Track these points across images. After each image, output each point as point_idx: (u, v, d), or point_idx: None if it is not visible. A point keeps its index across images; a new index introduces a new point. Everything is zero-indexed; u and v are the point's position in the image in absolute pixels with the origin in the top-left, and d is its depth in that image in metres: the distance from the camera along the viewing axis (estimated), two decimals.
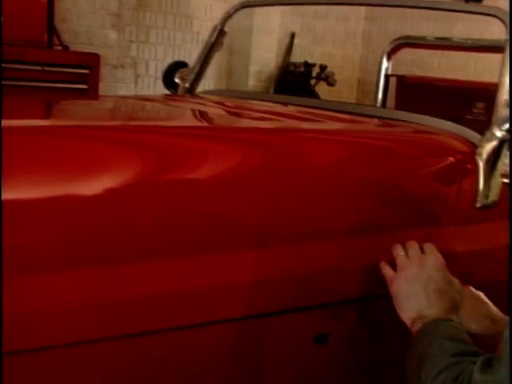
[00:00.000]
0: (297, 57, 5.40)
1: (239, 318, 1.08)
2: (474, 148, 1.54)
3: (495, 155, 1.53)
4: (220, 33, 2.26)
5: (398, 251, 1.24)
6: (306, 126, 1.58)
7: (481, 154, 1.52)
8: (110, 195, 0.98)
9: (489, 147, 1.53)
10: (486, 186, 1.50)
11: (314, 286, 1.18)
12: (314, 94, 5.10)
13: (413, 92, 3.09)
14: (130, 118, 1.57)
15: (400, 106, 3.13)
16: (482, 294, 1.31)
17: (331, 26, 5.82)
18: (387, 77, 3.00)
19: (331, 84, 5.23)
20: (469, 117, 2.39)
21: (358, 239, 1.27)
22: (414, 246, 1.25)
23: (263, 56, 4.99)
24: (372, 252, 1.27)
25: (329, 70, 5.26)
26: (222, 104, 1.89)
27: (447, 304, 1.19)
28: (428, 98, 2.91)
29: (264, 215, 1.14)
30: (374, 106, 2.49)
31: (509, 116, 1.55)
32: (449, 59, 5.77)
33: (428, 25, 5.41)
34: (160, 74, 4.44)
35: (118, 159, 1.02)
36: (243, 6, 2.29)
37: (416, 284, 1.19)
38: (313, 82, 5.27)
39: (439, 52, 5.69)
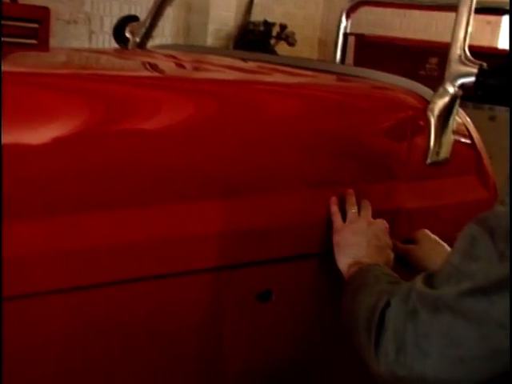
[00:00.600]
0: (257, 16, 5.30)
1: (183, 272, 1.05)
2: (426, 104, 1.51)
3: (447, 111, 1.51)
4: None
5: (352, 208, 1.25)
6: (262, 78, 1.56)
7: (433, 110, 1.49)
8: (58, 144, 0.94)
9: (441, 103, 1.51)
10: (437, 143, 1.48)
11: (262, 240, 1.15)
12: (273, 54, 5.03)
13: (371, 51, 3.06)
14: (81, 68, 1.51)
15: (358, 64, 3.11)
16: (437, 237, 1.34)
17: None
18: (346, 35, 2.96)
19: (291, 44, 5.16)
20: (422, 72, 2.37)
21: (310, 193, 1.25)
22: (367, 208, 1.27)
23: (222, 14, 4.89)
24: (323, 207, 1.25)
25: (289, 29, 5.18)
26: (174, 57, 1.84)
27: (384, 259, 1.20)
28: (386, 56, 2.88)
29: (217, 166, 1.12)
30: (331, 62, 2.45)
31: (462, 71, 1.53)
32: (410, 20, 5.75)
33: None
34: None
35: (67, 107, 0.99)
36: None
37: (360, 236, 1.21)
38: (273, 41, 5.19)
39: (401, 12, 5.66)
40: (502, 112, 2.66)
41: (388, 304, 0.93)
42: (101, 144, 0.99)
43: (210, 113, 1.15)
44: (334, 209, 1.25)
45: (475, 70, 1.50)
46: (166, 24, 4.48)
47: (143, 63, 1.70)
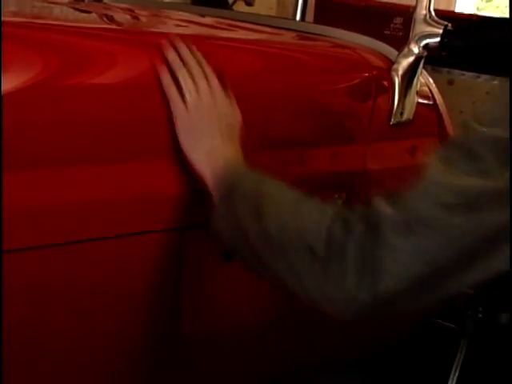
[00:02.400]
0: None
1: (158, 230, 1.03)
2: (390, 64, 1.49)
3: (412, 72, 1.49)
4: None
5: (184, 74, 1.05)
6: (220, 34, 1.50)
7: (397, 70, 1.47)
8: (7, 97, 0.88)
9: (405, 63, 1.49)
10: (400, 104, 1.47)
11: None
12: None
13: (332, 12, 3.02)
14: (32, 17, 1.44)
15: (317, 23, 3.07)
16: None
17: None
18: None
19: (249, 4, 5.07)
20: (387, 32, 2.34)
21: (269, 154, 1.21)
22: (210, 75, 1.07)
23: None
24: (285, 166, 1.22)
25: None
26: (132, 11, 1.77)
27: (239, 141, 1.06)
28: (348, 18, 2.84)
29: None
30: (295, 20, 2.41)
31: (427, 32, 1.51)
32: None
33: None
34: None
35: (16, 58, 0.92)
36: None
37: (210, 117, 1.04)
38: (230, 0, 5.11)
39: None
40: (459, 76, 2.66)
41: (343, 227, 0.83)
42: (52, 98, 0.94)
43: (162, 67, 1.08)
44: (167, 81, 1.03)
45: (440, 31, 1.49)
46: None
47: (100, 16, 1.64)
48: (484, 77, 2.46)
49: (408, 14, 1.59)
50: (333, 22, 2.96)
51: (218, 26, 1.62)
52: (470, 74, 2.50)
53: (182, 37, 1.18)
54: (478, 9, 8.58)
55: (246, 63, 1.26)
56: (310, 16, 3.04)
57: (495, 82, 2.48)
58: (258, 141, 1.19)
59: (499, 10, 9.03)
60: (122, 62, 1.05)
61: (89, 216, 0.94)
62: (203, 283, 1.12)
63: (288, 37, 1.64)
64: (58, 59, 0.97)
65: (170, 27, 1.54)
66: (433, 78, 2.60)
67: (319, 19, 3.11)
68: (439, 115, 1.66)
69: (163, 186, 1.03)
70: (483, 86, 2.56)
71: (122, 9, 1.79)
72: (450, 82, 2.70)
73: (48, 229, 0.91)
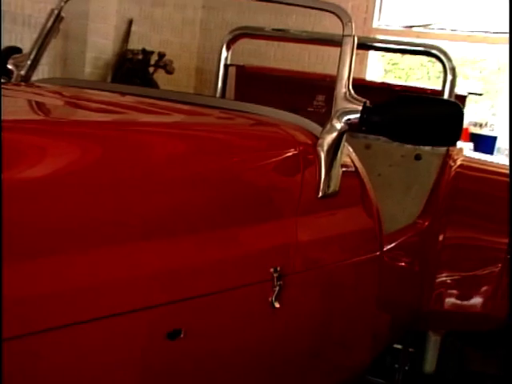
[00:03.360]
0: (135, 44, 5.30)
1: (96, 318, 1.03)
2: (315, 139, 1.58)
3: (336, 146, 1.59)
4: (57, 18, 2.16)
5: None
6: (146, 118, 1.52)
7: (322, 145, 1.57)
8: None
9: (329, 138, 1.58)
10: (327, 177, 1.55)
11: (158, 283, 1.13)
12: (152, 82, 5.05)
13: (253, 82, 3.13)
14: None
15: (240, 96, 3.17)
16: None
17: (169, 14, 5.77)
18: (226, 66, 3.02)
19: (170, 72, 5.20)
20: (310, 109, 2.46)
21: (201, 235, 1.23)
22: None
23: (100, 42, 4.85)
24: (217, 247, 1.25)
25: (167, 57, 5.22)
26: (60, 94, 1.81)
27: None
28: (268, 88, 2.96)
29: (104, 212, 1.08)
30: (216, 97, 2.50)
31: (348, 108, 1.61)
32: (284, 50, 5.94)
33: (264, 16, 5.53)
34: None
35: None
36: None
37: None
38: (151, 69, 5.21)
39: (275, 43, 5.83)
40: (375, 140, 2.81)
41: None
42: None
43: (93, 157, 1.12)
44: None
45: (360, 107, 1.60)
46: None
47: (29, 102, 1.66)
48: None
49: (329, 89, 1.70)
50: (253, 92, 3.08)
51: (143, 107, 1.64)
52: (385, 138, 2.65)
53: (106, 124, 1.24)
54: (385, 71, 8.98)
55: (169, 148, 1.27)
56: (231, 85, 3.14)
57: (409, 146, 2.63)
58: (192, 223, 1.22)
59: (404, 72, 9.52)
60: (51, 155, 1.06)
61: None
62: (153, 360, 1.15)
63: (214, 116, 1.69)
64: None
65: (97, 115, 1.53)
66: (350, 144, 2.73)
67: (240, 89, 3.22)
68: (362, 184, 1.75)
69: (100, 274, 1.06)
70: (398, 149, 2.71)
71: (51, 91, 1.82)
72: (368, 147, 2.84)
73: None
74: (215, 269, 1.22)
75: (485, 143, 5.19)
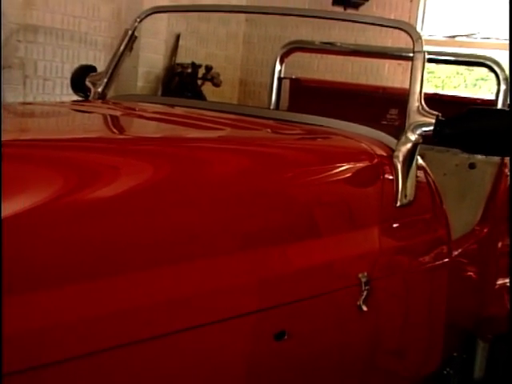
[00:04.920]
0: (181, 57, 5.43)
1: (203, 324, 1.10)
2: (390, 151, 1.67)
3: (410, 157, 1.67)
4: (131, 37, 2.28)
5: None
6: (209, 134, 1.58)
7: (398, 157, 1.65)
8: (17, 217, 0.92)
9: (404, 150, 1.67)
10: (403, 187, 1.63)
11: (265, 288, 1.22)
12: (201, 95, 5.16)
13: (308, 95, 3.21)
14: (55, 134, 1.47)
15: (296, 109, 3.23)
16: None
17: (214, 28, 5.90)
18: (280, 79, 3.09)
19: (217, 85, 5.31)
20: (384, 122, 2.54)
21: (297, 245, 1.31)
22: None
23: (151, 57, 4.99)
24: (311, 255, 1.33)
25: (214, 70, 5.33)
26: (134, 110, 1.91)
27: None
28: (324, 101, 3.04)
29: (184, 228, 1.12)
30: (286, 111, 2.58)
31: (421, 121, 1.70)
32: (327, 61, 6.01)
33: (307, 30, 5.60)
34: (49, 75, 4.37)
35: (29, 178, 0.98)
36: (154, 12, 2.33)
37: None
38: (199, 82, 5.33)
39: (318, 55, 5.90)
40: (429, 150, 2.84)
41: None
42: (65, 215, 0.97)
43: (164, 175, 1.18)
44: None
45: (433, 120, 1.68)
46: (98, 67, 4.53)
47: (105, 121, 1.76)
48: (453, 150, 2.66)
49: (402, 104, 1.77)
50: (309, 106, 3.15)
51: (211, 124, 1.69)
52: (439, 147, 2.71)
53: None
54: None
55: (259, 164, 1.37)
56: (284, 98, 3.22)
57: (463, 155, 2.69)
58: (291, 234, 1.32)
59: (440, 81, 9.54)
60: (123, 174, 1.12)
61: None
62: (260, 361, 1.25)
63: (292, 131, 1.78)
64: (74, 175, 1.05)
65: (166, 131, 1.63)
66: None
67: (295, 102, 3.30)
68: (433, 192, 1.83)
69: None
70: (452, 158, 2.77)
71: (127, 109, 1.91)
72: (422, 156, 2.90)
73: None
74: (311, 275, 1.32)
75: None
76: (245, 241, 1.21)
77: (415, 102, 1.72)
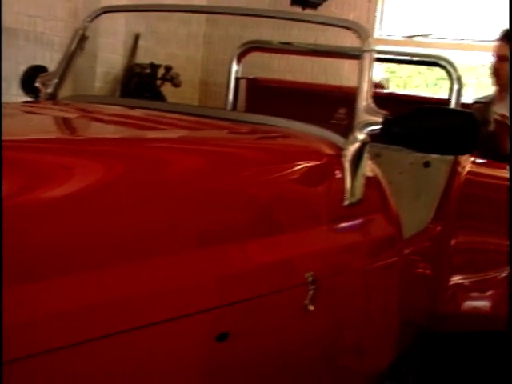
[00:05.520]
0: (141, 58, 5.39)
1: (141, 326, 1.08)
2: (339, 150, 1.67)
3: (359, 156, 1.68)
4: (81, 37, 2.26)
5: None
6: (165, 135, 1.58)
7: (346, 156, 1.66)
8: None
9: (352, 149, 1.67)
10: (352, 185, 1.64)
11: (208, 289, 1.21)
12: (160, 96, 5.13)
13: (265, 95, 3.21)
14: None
15: (253, 109, 3.22)
16: None
17: (174, 28, 5.86)
18: (237, 80, 3.08)
19: (177, 85, 5.28)
20: (333, 121, 2.55)
21: (242, 244, 1.30)
22: None
23: (110, 57, 4.94)
24: (257, 255, 1.33)
25: (174, 71, 5.30)
26: (85, 111, 1.89)
27: None
28: (281, 101, 3.03)
29: (133, 227, 1.12)
30: (239, 112, 2.58)
31: (369, 120, 1.70)
32: (288, 61, 6.01)
33: (267, 30, 5.59)
34: (4, 75, 4.30)
35: None
36: (105, 12, 2.31)
37: None
38: (158, 83, 5.29)
39: (278, 54, 5.90)
40: (385, 149, 2.86)
41: None
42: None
43: (117, 175, 1.18)
44: None
45: (380, 119, 1.69)
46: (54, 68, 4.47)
47: (56, 121, 1.73)
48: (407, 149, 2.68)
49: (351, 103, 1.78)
50: (265, 105, 3.15)
51: (162, 124, 1.70)
52: (394, 146, 2.73)
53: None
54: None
55: (197, 163, 1.35)
56: (241, 98, 3.21)
57: (418, 154, 2.71)
58: (233, 234, 1.30)
59: (402, 80, 9.64)
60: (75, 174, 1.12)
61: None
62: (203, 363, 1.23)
63: (240, 131, 1.77)
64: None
65: (119, 132, 1.60)
66: None
67: (252, 102, 3.29)
68: (382, 191, 1.84)
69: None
70: (408, 157, 2.79)
71: (76, 110, 1.88)
72: (377, 155, 2.91)
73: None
74: (256, 275, 1.31)
75: None
76: (184, 242, 1.20)
77: (363, 101, 1.73)
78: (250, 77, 3.35)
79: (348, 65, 5.84)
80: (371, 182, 1.78)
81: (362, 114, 1.71)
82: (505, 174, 2.91)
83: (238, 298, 1.24)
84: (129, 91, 4.90)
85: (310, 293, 1.42)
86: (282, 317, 1.38)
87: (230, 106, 2.97)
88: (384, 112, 1.71)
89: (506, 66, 3.05)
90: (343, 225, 1.61)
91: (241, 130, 1.78)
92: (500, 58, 3.20)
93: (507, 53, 3.12)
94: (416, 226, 2.50)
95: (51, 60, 4.53)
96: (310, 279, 1.42)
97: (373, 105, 1.73)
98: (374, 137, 1.71)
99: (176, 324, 1.12)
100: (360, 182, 1.68)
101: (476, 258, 2.58)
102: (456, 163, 2.68)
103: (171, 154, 1.35)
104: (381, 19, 5.84)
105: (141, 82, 5.05)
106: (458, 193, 2.63)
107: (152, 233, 1.14)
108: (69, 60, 2.25)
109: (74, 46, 2.25)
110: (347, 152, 1.67)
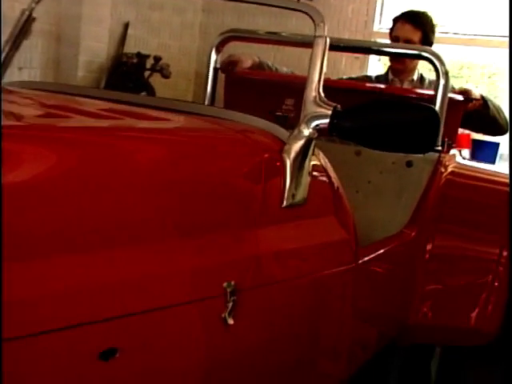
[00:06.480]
0: (131, 47, 5.24)
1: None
2: (282, 145, 1.49)
3: (304, 153, 1.50)
4: (28, 19, 2.09)
5: None
6: (124, 124, 1.47)
7: (288, 152, 1.48)
8: None
9: (296, 145, 1.50)
10: (292, 185, 1.46)
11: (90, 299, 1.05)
12: (147, 87, 4.98)
13: (241, 86, 3.05)
14: None
15: (229, 99, 3.09)
16: None
17: (167, 17, 5.71)
18: (216, 70, 2.97)
19: (166, 76, 5.12)
20: (279, 113, 2.38)
21: (143, 247, 1.14)
22: None
23: (94, 46, 4.77)
24: (161, 260, 1.16)
25: (164, 61, 5.14)
26: (40, 100, 1.73)
27: None
28: (254, 92, 2.88)
29: (79, 220, 1.05)
30: (189, 102, 2.42)
31: (317, 113, 1.53)
32: (284, 54, 5.84)
33: (264, 19, 5.45)
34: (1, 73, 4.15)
35: None
36: None
37: None
38: (147, 73, 5.13)
39: (275, 46, 5.74)
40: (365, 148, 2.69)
41: None
42: None
43: (71, 164, 1.08)
44: None
45: (329, 112, 1.51)
46: (35, 55, 4.33)
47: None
48: None
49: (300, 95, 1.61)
50: (242, 96, 3.00)
51: (122, 114, 1.57)
52: None
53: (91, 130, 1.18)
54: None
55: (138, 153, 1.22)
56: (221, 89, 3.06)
57: (401, 154, 2.54)
58: (132, 234, 1.15)
59: None
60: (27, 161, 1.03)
61: None
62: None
63: (178, 123, 1.60)
64: None
65: (77, 120, 1.45)
66: (341, 150, 2.63)
67: (229, 93, 3.14)
68: (335, 193, 1.67)
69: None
70: (390, 156, 2.62)
71: (27, 98, 1.73)
72: (358, 153, 2.74)
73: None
74: (159, 284, 1.14)
75: (487, 150, 5.08)
76: (67, 243, 1.04)
77: (312, 92, 1.55)
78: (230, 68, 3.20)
79: (346, 59, 5.68)
80: (320, 182, 1.61)
81: (310, 106, 1.54)
82: (490, 176, 2.74)
83: (130, 311, 1.07)
84: (114, 81, 4.74)
85: (229, 305, 1.25)
86: (192, 331, 1.21)
87: (208, 98, 2.85)
88: (334, 104, 1.53)
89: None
90: (279, 229, 1.43)
91: (177, 122, 1.60)
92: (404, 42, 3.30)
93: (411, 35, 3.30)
94: (395, 228, 2.33)
95: None
96: (230, 289, 1.25)
97: (323, 96, 1.56)
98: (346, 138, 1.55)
99: (44, 338, 0.96)
100: (304, 181, 1.50)
101: (453, 265, 2.40)
102: (439, 163, 2.52)
103: None
104: (381, 12, 5.65)
105: (127, 72, 4.89)
106: (437, 194, 2.46)
107: None
108: (13, 43, 2.09)
109: (19, 27, 2.08)
110: (289, 147, 1.49)
